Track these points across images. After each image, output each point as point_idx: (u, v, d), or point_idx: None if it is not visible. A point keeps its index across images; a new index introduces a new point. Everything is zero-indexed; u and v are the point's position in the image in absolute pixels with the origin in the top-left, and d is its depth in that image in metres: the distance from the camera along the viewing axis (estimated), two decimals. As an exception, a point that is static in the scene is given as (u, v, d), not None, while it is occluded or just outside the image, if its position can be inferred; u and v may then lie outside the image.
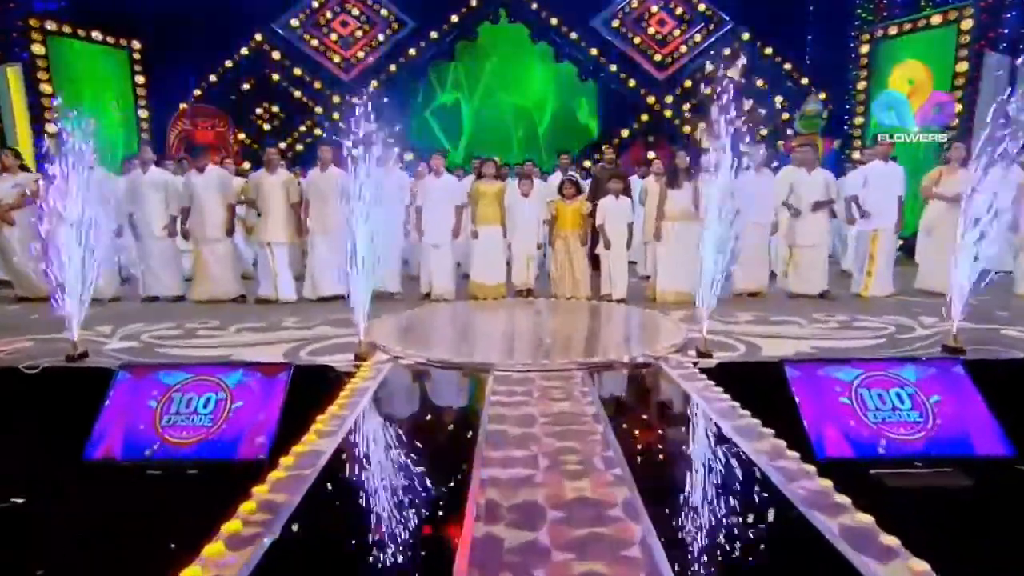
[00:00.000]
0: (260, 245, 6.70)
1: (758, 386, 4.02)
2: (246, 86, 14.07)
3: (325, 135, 15.00)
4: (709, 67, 14.26)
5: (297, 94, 14.36)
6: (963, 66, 9.99)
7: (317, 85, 14.30)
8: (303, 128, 14.30)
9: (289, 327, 5.44)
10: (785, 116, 14.21)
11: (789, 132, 13.45)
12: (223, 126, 13.00)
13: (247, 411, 3.71)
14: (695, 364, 4.14)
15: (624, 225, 6.59)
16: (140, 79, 11.66)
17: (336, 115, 14.40)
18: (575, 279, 6.61)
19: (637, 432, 3.31)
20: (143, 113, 11.88)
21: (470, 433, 3.12)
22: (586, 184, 8.30)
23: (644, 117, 14.40)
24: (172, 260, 6.80)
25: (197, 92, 13.39)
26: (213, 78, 13.56)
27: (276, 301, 6.56)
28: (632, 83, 14.26)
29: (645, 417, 3.71)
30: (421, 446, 3.21)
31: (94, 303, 6.68)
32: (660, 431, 3.52)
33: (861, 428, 3.47)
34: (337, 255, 6.54)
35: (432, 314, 5.87)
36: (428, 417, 3.74)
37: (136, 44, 11.61)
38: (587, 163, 14.10)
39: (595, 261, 7.02)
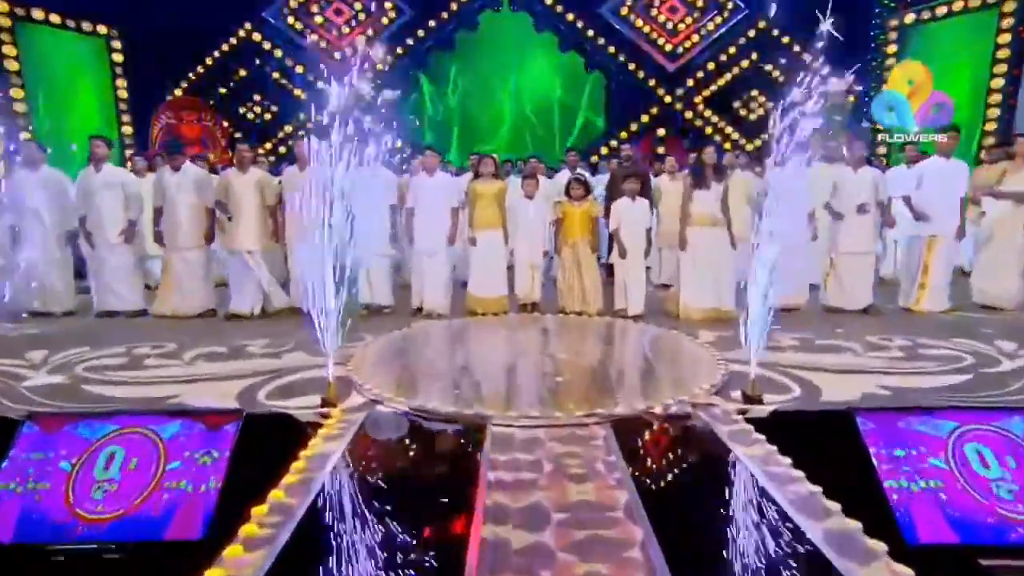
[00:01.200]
0: (231, 254, 5.82)
1: (823, 442, 3.17)
2: (236, 77, 13.16)
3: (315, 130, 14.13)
4: (723, 57, 13.33)
5: (289, 86, 13.45)
6: (1005, 52, 9.04)
7: (311, 77, 13.40)
8: (296, 122, 13.39)
9: (255, 353, 4.57)
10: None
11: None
12: (210, 119, 12.10)
13: (185, 474, 2.85)
14: (743, 413, 3.26)
15: (642, 230, 5.69)
16: (119, 69, 10.74)
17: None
18: (585, 292, 5.72)
19: (676, 514, 2.44)
20: (123, 105, 10.97)
21: (462, 514, 2.27)
22: (594, 181, 7.42)
23: (654, 110, 13.46)
24: (130, 271, 5.90)
25: (183, 84, 12.50)
26: (200, 69, 12.65)
27: (250, 316, 5.70)
28: (641, 74, 13.30)
29: (683, 491, 2.84)
30: (401, 529, 2.35)
31: (40, 318, 6.12)
32: (704, 512, 2.65)
33: (966, 502, 2.60)
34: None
35: (420, 338, 4.97)
36: (411, 487, 2.87)
37: (114, 31, 10.68)
38: (593, 158, 13.19)
39: (607, 270, 6.15)
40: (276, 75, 13.33)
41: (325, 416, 3.28)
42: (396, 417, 3.30)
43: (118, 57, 10.66)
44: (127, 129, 10.88)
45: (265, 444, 3.24)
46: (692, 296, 5.54)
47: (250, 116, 13.41)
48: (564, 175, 7.68)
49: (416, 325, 5.31)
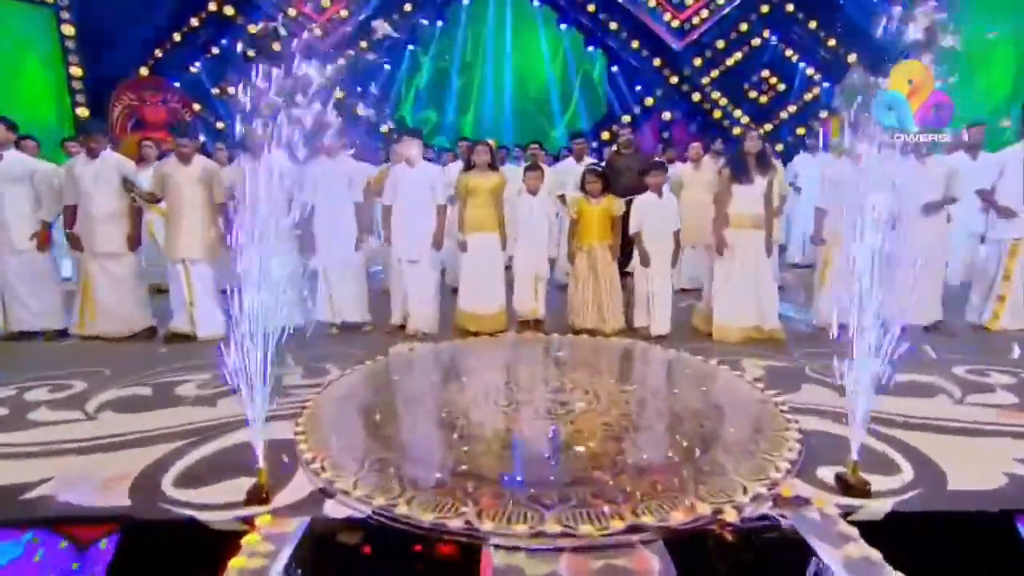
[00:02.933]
0: (171, 262, 4.70)
1: (971, 559, 2.17)
2: (208, 55, 11.88)
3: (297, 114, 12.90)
4: (733, 35, 12.15)
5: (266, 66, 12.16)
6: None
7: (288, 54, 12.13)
8: (274, 105, 12.13)
9: (186, 397, 3.49)
10: (815, 91, 12.16)
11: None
12: (178, 101, 10.85)
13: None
14: (846, 516, 2.22)
15: (669, 234, 4.61)
16: (70, 44, 9.45)
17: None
18: (602, 307, 4.65)
19: None
20: (77, 85, 9.69)
21: None
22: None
23: (659, 92, 12.30)
24: (46, 280, 4.76)
25: (148, 61, 11.21)
26: (168, 45, 11.36)
27: (194, 338, 4.61)
28: (645, 52, 12.12)
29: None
30: None
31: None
32: None
33: None
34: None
35: (397, 374, 3.87)
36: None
37: (64, 1, 9.37)
38: (578, 144, 12.05)
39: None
40: (251, 54, 12.06)
41: (248, 523, 2.21)
42: (351, 529, 2.23)
43: (68, 30, 9.36)
44: (82, 112, 9.61)
45: (155, 570, 2.19)
46: (729, 312, 4.48)
47: (224, 98, 12.14)
48: (567, 166, 6.57)
49: (394, 353, 4.22)
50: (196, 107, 11.50)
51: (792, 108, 12.29)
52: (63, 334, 4.75)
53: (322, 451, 2.67)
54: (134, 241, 4.72)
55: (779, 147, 12.14)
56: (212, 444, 2.88)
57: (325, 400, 3.30)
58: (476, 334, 4.68)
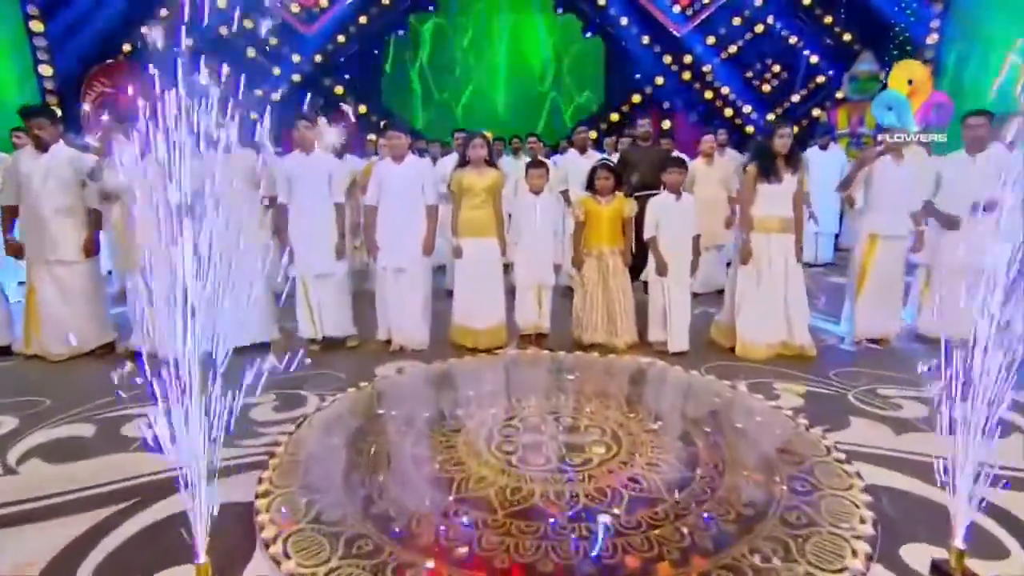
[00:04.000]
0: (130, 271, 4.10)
1: None
2: (187, 41, 11.10)
3: (282, 101, 12.19)
4: (736, 21, 11.51)
5: (251, 52, 11.45)
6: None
7: (273, 41, 11.42)
8: (258, 93, 11.42)
9: (133, 438, 2.91)
10: (819, 79, 11.56)
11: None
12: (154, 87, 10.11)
13: None
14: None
15: (687, 237, 4.05)
16: (34, 24, 8.69)
17: (297, 77, 11.56)
18: (613, 320, 4.10)
19: None
20: (45, 70, 8.95)
21: None
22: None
23: (659, 81, 11.68)
24: (-14, 293, 4.17)
25: (124, 46, 10.47)
26: (144, 29, 10.59)
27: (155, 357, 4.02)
28: (646, 39, 11.49)
29: None
30: None
31: None
32: None
33: None
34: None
35: (378, 409, 3.31)
36: None
37: (27, -20, 8.61)
38: (592, 134, 11.42)
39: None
40: (234, 38, 11.32)
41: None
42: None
43: (32, 9, 8.61)
44: (50, 99, 8.89)
45: None
46: (754, 327, 3.94)
47: (203, 83, 11.39)
48: (569, 158, 5.99)
49: (380, 379, 3.65)
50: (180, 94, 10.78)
51: (796, 97, 11.71)
52: (5, 352, 4.14)
53: (288, 524, 2.11)
54: (91, 246, 4.11)
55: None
56: (154, 509, 2.31)
57: (296, 446, 2.73)
58: (473, 350, 4.13)
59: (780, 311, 3.95)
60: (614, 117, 11.62)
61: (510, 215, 4.51)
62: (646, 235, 4.05)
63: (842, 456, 2.56)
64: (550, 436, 2.80)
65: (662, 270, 4.01)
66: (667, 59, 11.59)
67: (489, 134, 4.09)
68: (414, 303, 4.11)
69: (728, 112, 11.68)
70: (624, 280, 4.14)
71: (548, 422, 2.95)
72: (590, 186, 4.14)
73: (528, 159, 6.35)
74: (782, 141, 3.80)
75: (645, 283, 4.31)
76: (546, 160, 5.43)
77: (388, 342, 4.23)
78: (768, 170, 3.84)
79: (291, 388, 3.51)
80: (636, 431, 2.84)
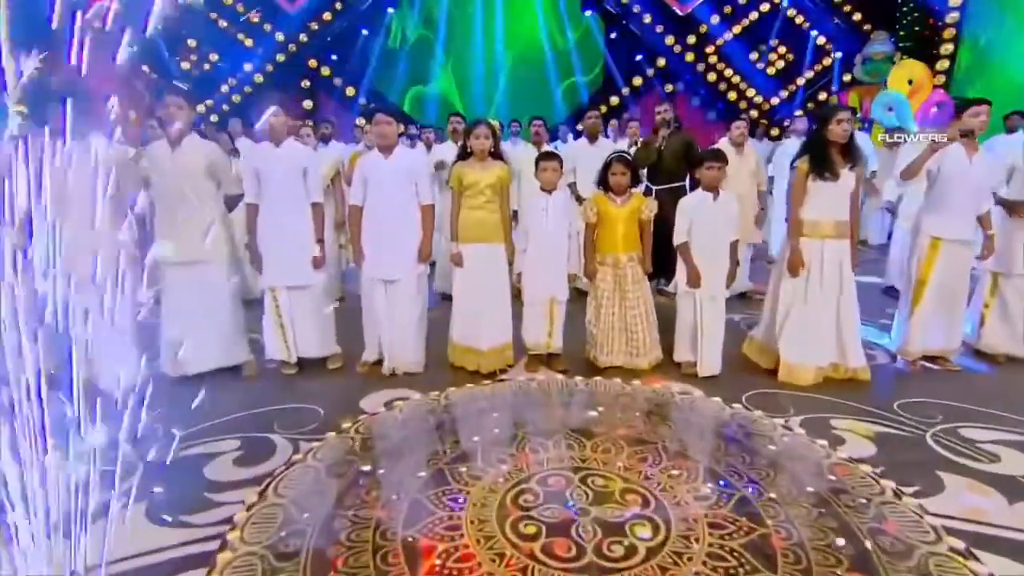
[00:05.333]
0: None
1: None
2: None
3: (265, 85, 11.24)
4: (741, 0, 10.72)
5: (232, 30, 10.56)
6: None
7: (254, 19, 10.52)
8: (241, 76, 10.55)
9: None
10: (826, 61, 10.83)
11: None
12: (132, 68, 9.23)
13: None
14: None
15: (725, 243, 3.38)
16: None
17: (281, 57, 10.67)
18: (634, 337, 3.45)
19: None
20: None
21: None
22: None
23: (661, 62, 10.92)
24: None
25: (94, 23, 9.53)
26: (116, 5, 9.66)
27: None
28: (648, 18, 10.69)
29: None
30: None
31: None
32: None
33: None
34: (203, 298, 3.31)
35: (363, 465, 2.64)
36: None
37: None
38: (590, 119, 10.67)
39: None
40: (213, 16, 10.42)
41: None
42: None
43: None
44: (11, 86, 7.97)
45: None
46: (801, 348, 3.30)
47: (184, 66, 10.51)
48: (578, 147, 5.27)
49: (365, 416, 2.98)
50: (153, 75, 9.91)
51: (801, 80, 10.99)
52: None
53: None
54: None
55: (786, 123, 10.92)
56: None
57: (254, 529, 2.07)
58: (475, 372, 3.47)
59: (831, 329, 3.31)
60: (614, 100, 10.88)
61: (515, 214, 3.83)
62: (676, 240, 3.38)
63: (959, 545, 1.94)
64: (578, 509, 2.15)
65: (694, 281, 3.35)
66: (669, 39, 10.82)
67: (495, 121, 3.37)
68: (407, 320, 3.43)
69: (732, 95, 10.96)
70: (644, 291, 3.48)
71: (573, 484, 2.31)
72: (603, 182, 3.46)
73: (525, 143, 5.66)
74: (841, 128, 3.12)
75: (659, 290, 3.65)
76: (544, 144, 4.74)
77: (378, 363, 3.56)
78: (822, 165, 3.17)
79: (258, 430, 2.85)
80: (685, 498, 2.20)
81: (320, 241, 3.45)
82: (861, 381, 3.31)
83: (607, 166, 3.37)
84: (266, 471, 2.48)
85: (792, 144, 6.63)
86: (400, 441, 2.70)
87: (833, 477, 2.35)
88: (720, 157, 3.28)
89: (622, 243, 3.38)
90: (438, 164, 4.98)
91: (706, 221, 3.32)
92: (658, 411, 2.99)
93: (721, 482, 2.33)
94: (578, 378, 3.38)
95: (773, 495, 2.24)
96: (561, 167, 3.41)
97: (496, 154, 3.43)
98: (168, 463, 2.49)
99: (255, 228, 3.39)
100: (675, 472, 2.40)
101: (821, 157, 3.17)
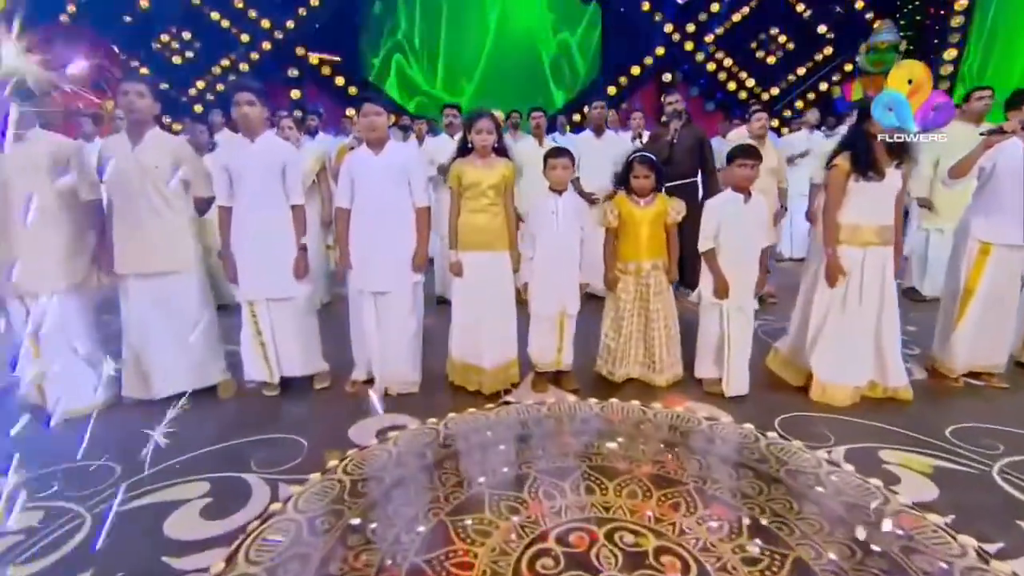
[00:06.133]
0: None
1: None
2: (144, 2, 9.62)
3: (247, 75, 10.67)
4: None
5: (215, 15, 9.97)
6: None
7: (239, 3, 9.92)
8: (225, 63, 9.98)
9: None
10: (827, 50, 10.43)
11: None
12: (104, 56, 8.64)
13: None
14: None
15: (756, 250, 3.00)
16: (-48, -18, 7.15)
17: (267, 45, 10.10)
18: (654, 351, 3.08)
19: None
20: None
21: None
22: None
23: (659, 51, 10.44)
24: None
25: (69, 7, 8.94)
26: (93, -11, 9.06)
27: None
28: (646, 6, 10.20)
29: None
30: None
31: None
32: None
33: None
34: (170, 313, 2.89)
35: (352, 519, 2.29)
36: None
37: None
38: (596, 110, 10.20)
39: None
40: (196, 1, 9.82)
41: None
42: None
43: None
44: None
45: None
46: (838, 364, 2.93)
47: (166, 53, 9.92)
48: (582, 139, 4.86)
49: (355, 450, 2.58)
50: (133, 63, 9.33)
51: (801, 70, 10.58)
52: None
53: None
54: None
55: (787, 114, 10.53)
56: None
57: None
58: (476, 392, 3.08)
59: (870, 344, 2.94)
60: (611, 91, 10.41)
61: (518, 217, 3.43)
62: (702, 246, 2.99)
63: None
64: (608, 579, 1.78)
65: (722, 292, 2.97)
66: (667, 28, 10.35)
67: (499, 113, 2.95)
68: (400, 336, 3.03)
69: (732, 85, 10.54)
70: (668, 302, 3.09)
71: (599, 543, 1.93)
72: (623, 183, 3.05)
73: (525, 136, 5.23)
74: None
75: (680, 296, 3.26)
76: (548, 144, 4.30)
77: (368, 382, 3.16)
78: (866, 163, 2.78)
79: (232, 468, 2.44)
80: (731, 561, 1.83)
81: (302, 248, 3.02)
82: (902, 401, 2.95)
83: (628, 166, 2.97)
84: (239, 524, 2.09)
85: (800, 136, 6.26)
86: (394, 485, 2.30)
87: (901, 532, 1.99)
88: (754, 154, 2.88)
89: (646, 249, 2.99)
90: (441, 168, 4.55)
91: (736, 225, 2.93)
92: (685, 442, 2.62)
93: (769, 539, 1.96)
94: (592, 400, 2.99)
95: (833, 555, 1.87)
96: (573, 164, 3.00)
97: (500, 150, 3.01)
98: (118, 514, 2.12)
99: (228, 234, 2.96)
100: (714, 524, 2.02)
101: (864, 154, 2.78)
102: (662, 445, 2.58)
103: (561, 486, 2.26)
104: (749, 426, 2.72)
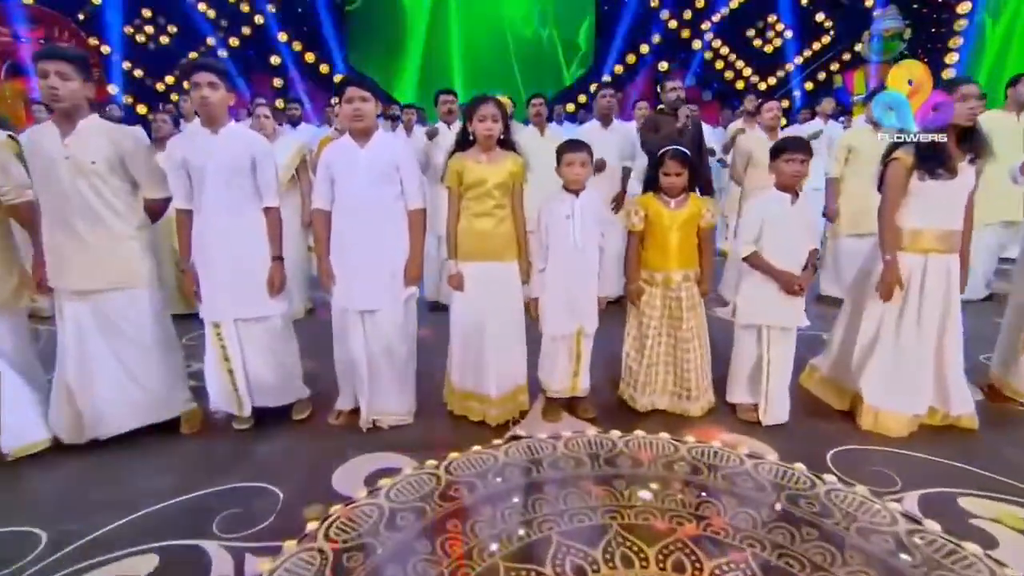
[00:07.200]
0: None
1: None
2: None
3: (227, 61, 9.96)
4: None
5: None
6: None
7: (216, -14, 9.26)
8: (202, 50, 9.31)
9: None
10: (825, 39, 10.01)
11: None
12: (72, 38, 7.94)
13: None
14: None
15: (803, 260, 2.55)
16: None
17: (247, 30, 9.44)
18: (685, 376, 2.64)
19: None
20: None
21: None
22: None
23: (656, 39, 9.96)
24: None
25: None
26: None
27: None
28: (642, -9, 9.71)
29: None
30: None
31: None
32: None
33: None
34: (116, 337, 2.37)
35: None
36: None
37: None
38: (582, 99, 9.71)
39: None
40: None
41: None
42: None
43: None
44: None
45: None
46: (891, 389, 2.51)
47: (139, 38, 9.22)
48: (589, 131, 4.37)
49: (339, 505, 2.10)
50: (104, 48, 8.64)
51: (799, 59, 10.15)
52: None
53: None
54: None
55: (785, 104, 10.11)
56: None
57: None
58: (480, 422, 2.62)
59: (930, 366, 2.52)
60: (606, 79, 9.90)
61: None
62: (743, 251, 2.53)
63: None
64: None
65: (789, 285, 2.51)
66: (663, 15, 9.85)
67: (506, 99, 2.45)
68: (393, 360, 2.55)
69: (729, 75, 10.09)
70: (700, 318, 2.64)
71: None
72: (652, 182, 2.59)
73: (521, 125, 4.72)
74: (968, 108, 2.28)
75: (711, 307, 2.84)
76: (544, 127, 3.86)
77: (355, 411, 2.68)
78: (936, 158, 2.33)
79: (188, 532, 1.95)
80: None
81: (278, 259, 2.51)
82: (967, 430, 2.54)
83: (658, 161, 2.49)
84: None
85: (815, 126, 5.82)
86: (387, 558, 1.83)
87: (1023, 623, 1.57)
88: (805, 147, 2.42)
89: (676, 257, 2.53)
90: (430, 132, 4.07)
91: (781, 229, 2.47)
92: (730, 489, 2.17)
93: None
94: (615, 433, 2.54)
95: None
96: (591, 160, 2.51)
97: (506, 142, 2.52)
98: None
99: (187, 242, 2.45)
100: (787, 611, 1.59)
101: (934, 148, 2.34)
102: (703, 493, 2.13)
103: (591, 555, 1.81)
104: (800, 466, 2.29)
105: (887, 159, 2.47)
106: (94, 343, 2.34)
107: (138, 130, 3.82)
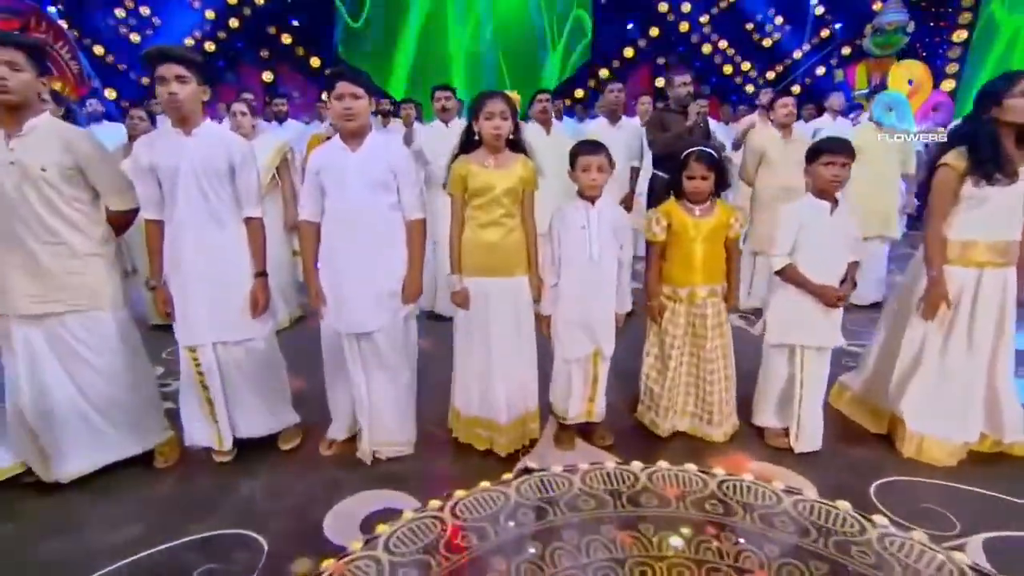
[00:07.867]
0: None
1: None
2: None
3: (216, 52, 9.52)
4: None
5: (176, -11, 8.88)
6: None
7: (202, -24, 8.84)
8: (189, 42, 8.90)
9: None
10: (824, 32, 9.74)
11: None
12: (40, 27, 7.50)
13: None
14: None
15: (841, 274, 2.29)
16: None
17: (235, 22, 9.04)
18: (708, 398, 2.38)
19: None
20: None
21: None
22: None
23: (653, 32, 9.65)
24: None
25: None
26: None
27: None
28: (641, -17, 9.39)
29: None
30: None
31: None
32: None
33: None
34: (77, 365, 2.05)
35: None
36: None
37: None
38: (579, 93, 9.41)
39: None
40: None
41: None
42: None
43: None
44: None
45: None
46: (937, 414, 2.27)
47: (122, 30, 8.80)
48: (595, 130, 4.09)
49: (331, 560, 1.83)
50: (85, 40, 8.21)
51: (797, 54, 9.89)
52: None
53: None
54: None
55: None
56: None
57: None
58: (488, 450, 2.35)
59: (980, 388, 2.28)
60: (604, 73, 9.61)
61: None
62: (777, 263, 2.27)
63: None
64: None
65: (830, 297, 2.25)
66: (662, 8, 9.55)
67: (514, 94, 2.16)
68: (390, 386, 2.27)
69: (728, 69, 9.81)
70: (726, 336, 2.38)
71: None
72: (674, 186, 2.32)
73: (523, 124, 4.43)
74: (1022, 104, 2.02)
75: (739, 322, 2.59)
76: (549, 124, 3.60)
77: (349, 440, 2.40)
78: (992, 162, 2.07)
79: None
80: None
81: (261, 274, 2.22)
82: (1019, 459, 2.31)
83: (683, 163, 2.21)
84: None
85: (825, 123, 5.56)
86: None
87: None
88: (847, 149, 2.15)
89: (701, 271, 2.26)
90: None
91: (818, 239, 2.21)
92: (767, 533, 1.92)
93: None
94: (636, 465, 2.27)
95: None
96: (610, 164, 2.23)
97: (515, 144, 2.23)
98: None
99: (158, 257, 2.15)
100: None
101: (991, 151, 2.07)
102: (741, 540, 1.87)
103: (622, 624, 1.55)
104: (846, 505, 2.03)
105: (934, 165, 2.21)
106: (51, 373, 2.04)
107: (107, 131, 3.48)
